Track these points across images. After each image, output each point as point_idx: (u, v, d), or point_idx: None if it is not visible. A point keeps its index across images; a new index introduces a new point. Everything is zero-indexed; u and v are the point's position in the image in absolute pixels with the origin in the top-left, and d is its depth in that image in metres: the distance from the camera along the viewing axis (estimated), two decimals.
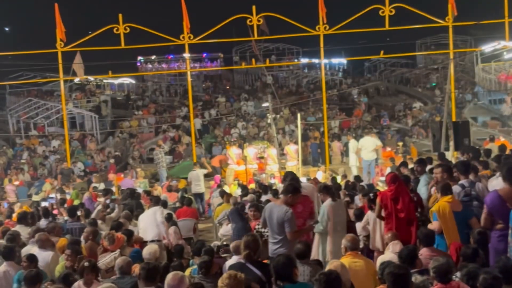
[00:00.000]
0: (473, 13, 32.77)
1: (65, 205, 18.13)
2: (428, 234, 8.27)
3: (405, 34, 35.12)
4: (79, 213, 14.55)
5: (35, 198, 24.14)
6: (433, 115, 37.66)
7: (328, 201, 10.56)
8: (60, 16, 24.89)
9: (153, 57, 59.96)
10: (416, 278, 6.67)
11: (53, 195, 22.24)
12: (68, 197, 21.18)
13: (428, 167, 13.18)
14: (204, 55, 58.76)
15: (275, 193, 14.87)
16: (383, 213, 10.28)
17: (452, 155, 19.71)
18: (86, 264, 8.41)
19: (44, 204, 19.71)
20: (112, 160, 30.10)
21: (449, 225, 9.01)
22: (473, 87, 44.97)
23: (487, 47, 28.41)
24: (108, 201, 16.33)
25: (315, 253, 10.47)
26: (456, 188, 9.47)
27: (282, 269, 6.58)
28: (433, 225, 9.22)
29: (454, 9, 24.98)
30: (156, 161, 26.48)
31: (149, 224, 12.76)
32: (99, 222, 13.44)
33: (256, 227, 11.01)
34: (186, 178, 24.08)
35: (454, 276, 6.77)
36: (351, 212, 11.85)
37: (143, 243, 12.05)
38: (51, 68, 35.44)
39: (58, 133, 35.94)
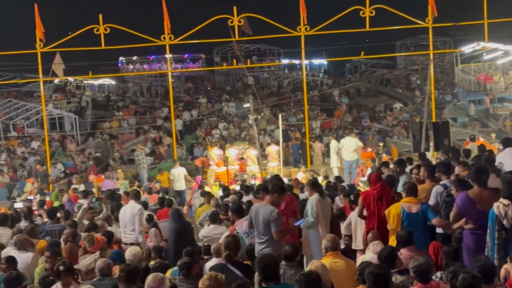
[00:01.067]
0: (453, 15, 33.02)
1: (45, 207, 17.99)
2: (407, 234, 8.30)
3: (385, 35, 35.23)
4: (58, 214, 14.43)
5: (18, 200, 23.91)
6: (413, 116, 37.90)
7: (316, 195, 10.63)
8: (39, 17, 24.72)
9: (135, 57, 59.65)
10: (396, 278, 6.69)
11: (31, 197, 22.09)
12: (47, 198, 21.02)
13: (409, 167, 13.27)
14: (186, 55, 58.58)
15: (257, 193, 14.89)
16: (365, 213, 10.32)
17: (432, 156, 19.83)
18: (61, 267, 8.33)
19: (18, 206, 19.49)
20: (91, 162, 29.94)
21: (395, 226, 9.25)
22: (452, 88, 45.30)
23: (467, 48, 28.57)
24: (92, 203, 16.18)
25: (306, 248, 10.57)
26: (438, 188, 9.52)
27: (267, 269, 6.56)
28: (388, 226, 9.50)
29: (434, 10, 25.15)
30: (137, 162, 26.39)
31: (128, 222, 12.64)
32: (86, 222, 13.30)
33: (236, 229, 10.99)
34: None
35: (434, 276, 6.81)
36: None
37: (125, 245, 11.98)
38: (30, 69, 35.12)
39: (38, 134, 35.69)
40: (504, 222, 7.15)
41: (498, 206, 7.26)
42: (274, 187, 9.84)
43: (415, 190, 9.59)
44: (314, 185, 11.15)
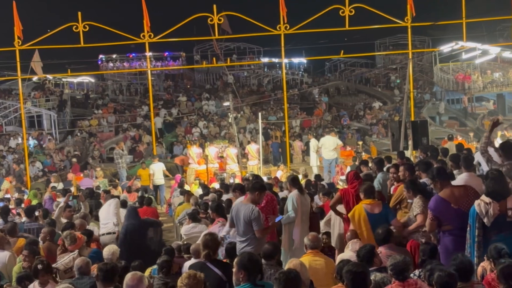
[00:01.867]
0: (431, 14, 33.26)
1: (22, 205, 17.87)
2: (385, 232, 8.33)
3: (364, 35, 35.39)
4: (37, 213, 14.34)
5: None
6: (392, 114, 38.09)
7: (295, 191, 10.67)
8: (17, 14, 24.50)
9: (114, 56, 59.29)
10: (376, 276, 6.72)
11: (8, 195, 21.93)
12: (25, 196, 20.89)
13: (386, 166, 13.35)
14: (166, 54, 58.33)
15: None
16: (344, 211, 10.35)
17: (411, 154, 19.94)
18: (39, 266, 8.28)
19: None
20: (75, 159, 29.80)
21: (363, 228, 9.25)
22: (431, 87, 45.60)
23: (445, 48, 28.79)
24: (70, 201, 16.06)
25: (286, 244, 10.60)
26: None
27: (250, 264, 6.55)
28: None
29: (413, 9, 25.27)
30: (116, 160, 26.28)
31: (105, 218, 12.65)
32: (64, 221, 13.23)
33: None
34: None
35: (412, 274, 6.83)
36: None
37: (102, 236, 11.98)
38: (9, 67, 34.85)
39: (16, 132, 35.43)
40: (485, 220, 7.16)
41: (479, 204, 7.25)
42: (255, 185, 9.81)
43: (373, 192, 9.72)
44: (293, 181, 11.19)
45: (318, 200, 13.84)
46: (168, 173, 24.31)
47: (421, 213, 9.11)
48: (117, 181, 24.86)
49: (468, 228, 7.44)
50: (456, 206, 7.79)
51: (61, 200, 17.07)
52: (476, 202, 7.35)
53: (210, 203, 13.93)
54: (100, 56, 57.03)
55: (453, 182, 9.40)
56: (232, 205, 10.09)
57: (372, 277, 6.50)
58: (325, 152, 23.68)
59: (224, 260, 8.90)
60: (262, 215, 9.69)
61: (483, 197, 7.35)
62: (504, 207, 7.25)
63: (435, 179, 8.16)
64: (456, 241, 7.79)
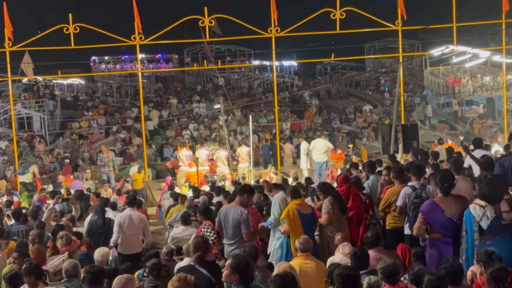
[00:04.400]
0: (422, 18, 33.34)
1: (12, 207, 17.77)
2: (374, 236, 8.35)
3: (354, 38, 35.48)
4: (24, 211, 14.31)
5: None
6: (383, 118, 38.14)
7: (281, 193, 10.73)
8: (8, 15, 24.40)
9: (106, 57, 59.12)
10: (371, 278, 6.72)
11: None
12: (15, 199, 20.80)
13: (378, 169, 13.37)
14: (159, 56, 58.23)
15: (227, 195, 14.93)
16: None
17: (401, 158, 19.97)
18: (26, 267, 8.24)
19: None
20: (67, 161, 29.69)
21: (296, 227, 9.50)
22: (422, 91, 45.72)
23: (436, 51, 28.86)
24: (58, 205, 15.97)
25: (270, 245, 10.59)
26: (406, 190, 9.56)
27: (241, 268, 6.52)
28: (283, 228, 9.80)
29: (404, 13, 25.35)
30: (101, 164, 26.13)
31: None
32: (53, 223, 13.20)
33: (203, 230, 10.98)
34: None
35: (402, 278, 6.83)
36: None
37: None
38: None
39: (5, 134, 35.25)
40: (481, 223, 7.15)
41: (475, 208, 7.24)
42: (244, 187, 9.90)
43: (298, 192, 10.20)
44: (275, 185, 11.53)
45: (310, 202, 13.82)
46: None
47: (326, 213, 9.78)
48: (106, 184, 24.77)
49: (464, 233, 7.41)
50: (449, 215, 7.76)
51: (51, 202, 17.02)
52: (471, 206, 7.33)
53: (199, 205, 13.94)
54: (93, 57, 56.89)
55: None
56: (221, 208, 10.11)
57: (366, 280, 6.49)
58: (316, 155, 23.68)
59: (217, 261, 8.88)
60: (251, 218, 9.71)
61: (478, 200, 7.33)
62: (498, 210, 7.25)
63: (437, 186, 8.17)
64: (444, 248, 7.73)
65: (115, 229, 11.52)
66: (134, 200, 12.54)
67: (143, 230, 11.90)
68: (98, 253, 9.73)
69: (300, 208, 9.70)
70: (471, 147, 12.93)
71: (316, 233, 10.93)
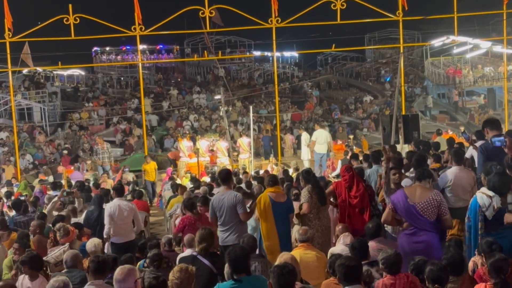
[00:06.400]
0: (422, 8, 33.20)
1: (12, 197, 17.79)
2: (375, 226, 8.36)
3: (353, 28, 35.39)
4: (22, 198, 14.32)
5: None
6: (383, 108, 38.13)
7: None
8: (8, 6, 24.38)
9: (107, 48, 59.07)
10: (370, 270, 6.75)
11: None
12: (15, 189, 20.81)
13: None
14: (160, 46, 58.14)
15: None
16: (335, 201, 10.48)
17: (401, 148, 19.95)
18: (22, 256, 8.28)
19: None
20: (65, 151, 29.74)
21: (267, 214, 9.67)
22: (422, 81, 45.64)
23: (436, 42, 28.79)
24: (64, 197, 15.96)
25: None
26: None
27: (238, 261, 6.50)
28: (256, 214, 10.00)
29: (405, 3, 25.30)
30: (97, 156, 26.01)
31: None
32: (55, 213, 13.21)
33: None
34: (137, 171, 23.98)
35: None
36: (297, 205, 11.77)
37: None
38: None
39: (6, 125, 35.28)
40: (487, 213, 7.16)
41: (482, 197, 7.26)
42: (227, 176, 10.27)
43: (276, 181, 10.32)
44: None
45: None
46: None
47: (306, 202, 9.92)
48: (105, 175, 24.69)
49: (467, 221, 7.42)
50: (412, 202, 7.79)
51: (52, 193, 17.06)
52: (478, 194, 7.35)
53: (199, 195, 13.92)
54: (95, 48, 56.81)
55: (445, 175, 9.47)
56: (212, 198, 10.25)
57: (364, 268, 6.51)
58: (317, 146, 23.64)
59: (218, 252, 8.90)
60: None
61: (485, 190, 7.33)
62: (505, 202, 7.25)
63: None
64: (411, 242, 7.78)
65: (106, 220, 11.45)
66: (122, 190, 12.44)
67: (133, 218, 11.82)
68: (91, 244, 9.67)
69: (274, 196, 9.75)
70: (473, 137, 12.93)
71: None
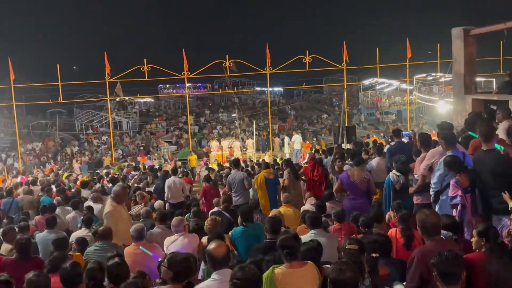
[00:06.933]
0: (358, 60, 32.97)
1: (109, 176, 17.79)
2: (329, 193, 8.32)
3: (316, 73, 35.20)
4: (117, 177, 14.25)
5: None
6: (334, 122, 37.95)
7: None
8: (107, 59, 24.38)
9: (167, 85, 58.73)
10: (328, 219, 6.70)
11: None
12: (111, 170, 20.79)
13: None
14: (199, 84, 57.86)
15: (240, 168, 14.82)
16: (305, 178, 10.38)
17: (345, 146, 19.84)
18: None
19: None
20: (142, 148, 29.70)
21: (262, 187, 9.37)
22: (357, 105, 45.53)
23: (367, 81, 28.73)
24: (141, 175, 15.89)
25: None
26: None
27: (246, 214, 6.47)
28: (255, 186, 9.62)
29: (347, 58, 25.34)
30: (162, 150, 25.95)
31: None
32: (135, 185, 13.15)
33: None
34: (184, 160, 23.91)
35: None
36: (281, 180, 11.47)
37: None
38: (102, 91, 34.70)
39: (106, 132, 35.26)
40: (396, 186, 7.12)
41: (393, 176, 7.16)
42: (236, 163, 10.26)
43: (268, 165, 10.13)
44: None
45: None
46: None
47: (286, 179, 9.65)
48: (166, 162, 24.63)
49: (384, 191, 7.36)
50: (352, 179, 7.78)
51: (134, 173, 17.05)
52: (391, 174, 7.24)
53: (224, 174, 13.87)
54: (160, 85, 56.53)
55: (371, 163, 9.36)
56: (228, 176, 10.10)
57: (323, 219, 6.45)
58: (295, 145, 23.66)
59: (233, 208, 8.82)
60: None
61: (395, 172, 7.25)
62: (407, 179, 7.19)
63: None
64: (351, 203, 7.72)
65: (166, 189, 11.25)
66: (176, 171, 12.35)
67: (182, 188, 11.73)
68: (157, 204, 9.70)
69: (267, 175, 9.48)
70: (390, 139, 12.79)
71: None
